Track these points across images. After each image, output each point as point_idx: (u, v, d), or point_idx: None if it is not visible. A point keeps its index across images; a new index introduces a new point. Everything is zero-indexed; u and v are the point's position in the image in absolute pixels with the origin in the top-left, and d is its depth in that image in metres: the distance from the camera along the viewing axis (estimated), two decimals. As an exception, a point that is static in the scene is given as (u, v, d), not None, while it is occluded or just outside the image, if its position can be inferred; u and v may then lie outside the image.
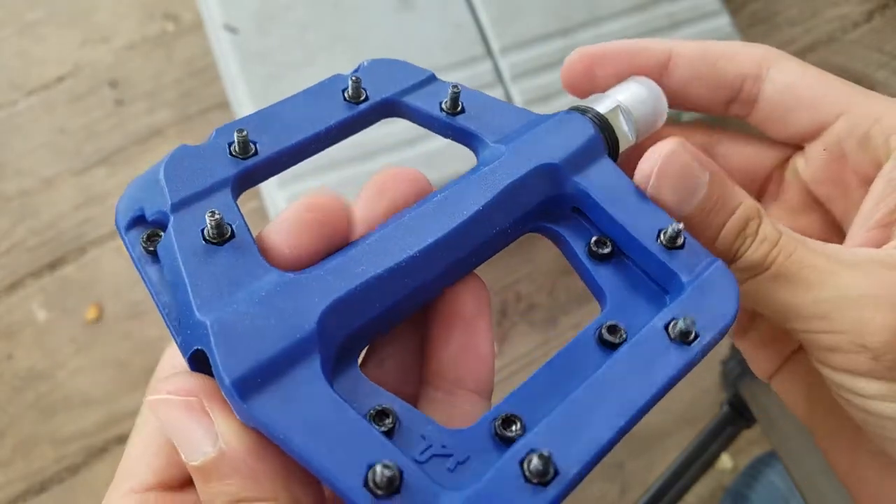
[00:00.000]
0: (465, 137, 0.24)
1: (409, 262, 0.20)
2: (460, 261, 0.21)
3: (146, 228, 0.20)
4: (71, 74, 0.92)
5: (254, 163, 0.21)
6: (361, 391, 0.19)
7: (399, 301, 0.20)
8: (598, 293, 0.22)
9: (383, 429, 0.18)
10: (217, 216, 0.19)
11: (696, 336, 0.19)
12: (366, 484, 0.16)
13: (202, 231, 0.19)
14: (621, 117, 0.24)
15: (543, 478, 0.16)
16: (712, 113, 0.28)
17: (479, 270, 0.22)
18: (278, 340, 0.17)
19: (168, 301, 0.19)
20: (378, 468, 0.16)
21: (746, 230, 0.22)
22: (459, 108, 0.24)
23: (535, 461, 0.16)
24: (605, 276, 0.22)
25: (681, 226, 0.21)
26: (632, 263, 0.22)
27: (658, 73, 0.27)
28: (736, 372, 0.71)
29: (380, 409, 0.18)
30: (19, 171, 0.88)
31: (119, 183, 0.87)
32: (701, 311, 0.20)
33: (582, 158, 0.23)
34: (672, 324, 0.20)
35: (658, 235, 0.21)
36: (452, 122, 0.24)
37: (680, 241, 0.21)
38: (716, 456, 0.70)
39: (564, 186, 0.22)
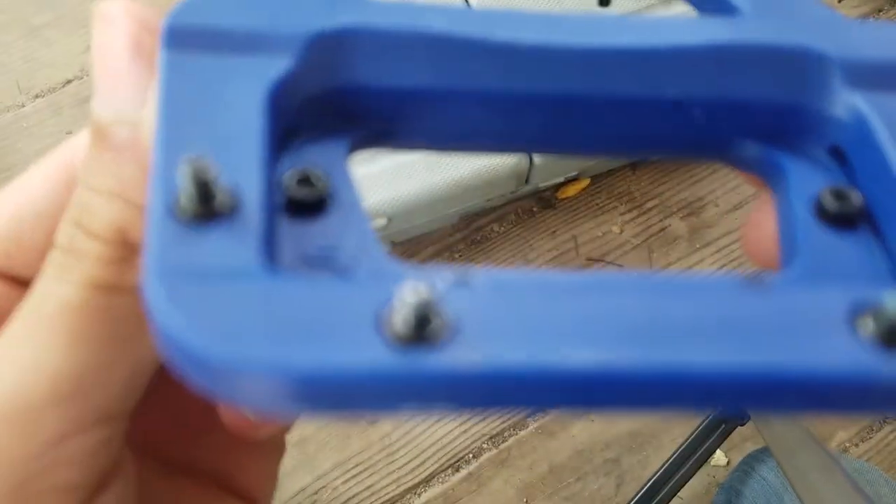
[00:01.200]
0: (717, 4, 0.16)
1: (518, 51, 0.13)
2: (591, 103, 0.14)
3: None
4: (77, 78, 0.94)
5: None
6: (316, 160, 0.13)
7: (469, 95, 0.14)
8: (788, 254, 0.14)
9: (298, 196, 0.12)
10: None
11: None
12: (176, 191, 0.11)
13: None
14: None
15: (412, 330, 0.10)
16: None
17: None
18: (259, 19, 0.13)
19: None
20: (182, 169, 0.10)
21: None
22: None
23: (406, 304, 0.10)
24: (819, 241, 0.14)
25: None
26: (880, 244, 0.14)
27: None
28: (730, 370, 0.72)
29: (307, 175, 0.12)
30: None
31: (125, 184, 0.88)
32: None
33: (884, 78, 0.14)
34: (875, 308, 0.11)
35: None
36: None
37: None
38: (710, 452, 0.71)
39: (831, 101, 0.14)
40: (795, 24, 0.15)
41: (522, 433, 0.81)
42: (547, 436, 0.80)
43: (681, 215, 0.89)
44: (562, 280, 0.11)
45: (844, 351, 0.10)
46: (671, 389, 0.10)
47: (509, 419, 0.81)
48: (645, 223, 0.89)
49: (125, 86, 0.13)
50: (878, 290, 0.12)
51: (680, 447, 0.71)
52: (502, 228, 0.88)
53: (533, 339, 0.10)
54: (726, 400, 0.11)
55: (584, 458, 0.80)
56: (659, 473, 0.70)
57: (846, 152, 0.15)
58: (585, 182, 0.89)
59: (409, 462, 0.79)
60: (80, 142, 0.15)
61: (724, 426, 0.71)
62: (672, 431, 0.81)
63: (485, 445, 0.80)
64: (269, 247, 0.11)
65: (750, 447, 0.78)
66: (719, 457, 0.80)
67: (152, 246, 0.10)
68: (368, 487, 0.77)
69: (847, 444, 0.82)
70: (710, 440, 0.71)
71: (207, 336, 0.10)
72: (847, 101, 0.14)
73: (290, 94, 0.13)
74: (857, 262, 0.14)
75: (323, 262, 0.12)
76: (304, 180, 0.12)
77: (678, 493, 0.70)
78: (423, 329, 0.10)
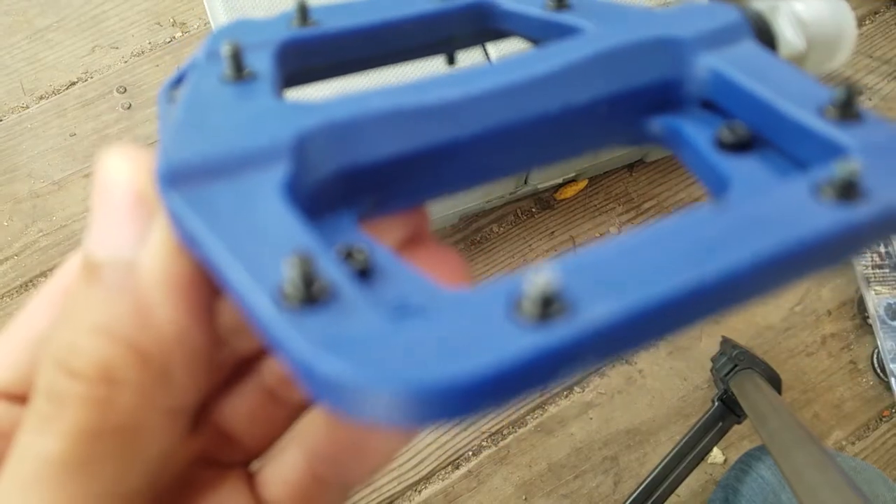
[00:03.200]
0: (566, 36, 0.19)
1: (448, 106, 0.16)
2: (524, 126, 0.17)
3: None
4: (81, 80, 0.95)
5: (308, 34, 0.19)
6: (343, 237, 0.15)
7: (428, 152, 0.16)
8: (719, 186, 0.17)
9: (355, 268, 0.14)
10: (231, 46, 0.17)
11: (863, 194, 0.13)
12: (279, 292, 0.12)
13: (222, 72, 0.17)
14: (784, 18, 0.18)
15: (542, 309, 0.11)
16: None
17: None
18: (241, 140, 0.15)
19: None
20: (288, 264, 0.12)
21: None
22: (565, 4, 0.20)
23: (533, 283, 0.11)
24: (734, 166, 0.17)
25: (857, 86, 0.16)
26: (779, 154, 0.17)
27: None
28: (727, 369, 0.72)
29: (349, 249, 0.14)
30: (31, 173, 0.90)
31: (128, 185, 0.89)
32: (876, 170, 0.14)
33: (718, 39, 0.18)
34: (824, 181, 0.14)
35: (822, 110, 0.16)
36: (554, 18, 0.20)
37: (854, 109, 0.16)
38: (707, 450, 0.72)
39: (690, 67, 0.18)
40: (637, 24, 0.19)
41: (521, 431, 0.81)
42: (546, 434, 0.81)
43: (678, 216, 0.90)
44: (612, 246, 0.13)
45: (829, 217, 0.13)
46: (745, 282, 0.12)
47: (508, 418, 0.82)
48: (642, 224, 0.90)
49: (123, 228, 0.13)
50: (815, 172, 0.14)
51: (677, 445, 0.72)
52: (501, 229, 0.89)
53: (637, 282, 0.12)
54: (771, 276, 0.13)
55: (582, 455, 0.80)
56: (656, 471, 0.71)
57: (716, 101, 0.18)
58: (583, 183, 0.90)
59: (409, 459, 0.80)
60: (75, 266, 0.16)
61: (721, 424, 0.72)
62: (669, 429, 0.81)
63: (484, 443, 0.81)
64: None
65: (747, 445, 0.79)
66: (716, 455, 0.80)
67: (292, 337, 0.11)
68: (369, 484, 0.78)
69: (843, 443, 0.82)
70: (708, 438, 0.71)
71: (405, 383, 0.11)
72: (702, 63, 0.18)
73: (300, 190, 0.15)
74: (772, 170, 0.16)
75: (406, 313, 0.13)
76: (349, 254, 0.14)
77: (675, 491, 0.71)
78: (549, 307, 0.11)
